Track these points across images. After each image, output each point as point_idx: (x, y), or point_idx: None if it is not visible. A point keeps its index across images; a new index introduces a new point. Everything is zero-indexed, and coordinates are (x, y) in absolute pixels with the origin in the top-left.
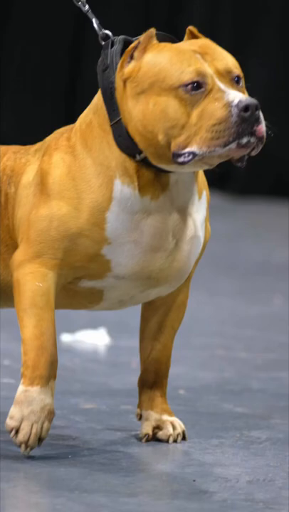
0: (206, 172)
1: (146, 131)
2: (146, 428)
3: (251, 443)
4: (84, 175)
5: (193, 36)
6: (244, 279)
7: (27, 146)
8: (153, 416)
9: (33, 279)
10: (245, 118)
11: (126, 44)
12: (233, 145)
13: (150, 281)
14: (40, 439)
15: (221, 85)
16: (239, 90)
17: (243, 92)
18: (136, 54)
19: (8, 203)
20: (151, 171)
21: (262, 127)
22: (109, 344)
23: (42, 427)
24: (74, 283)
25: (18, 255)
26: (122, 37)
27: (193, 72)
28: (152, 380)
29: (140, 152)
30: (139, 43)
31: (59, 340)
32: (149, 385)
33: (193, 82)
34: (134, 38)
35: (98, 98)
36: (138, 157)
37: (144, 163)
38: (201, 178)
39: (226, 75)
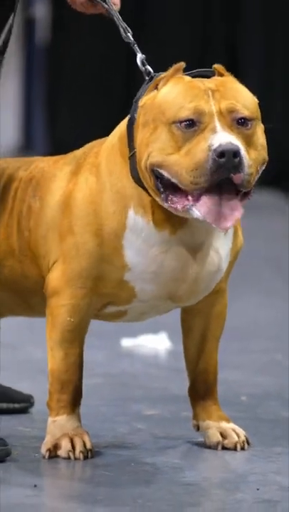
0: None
1: (139, 161)
2: (216, 435)
3: None
4: (102, 200)
5: (220, 74)
6: None
7: (56, 157)
8: (213, 425)
9: (65, 312)
10: (220, 164)
11: None
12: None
13: (172, 300)
14: (88, 450)
15: (218, 125)
16: (240, 132)
17: (249, 135)
18: (160, 85)
19: (30, 216)
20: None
21: (240, 176)
22: (170, 348)
23: (82, 439)
24: (102, 309)
25: (53, 280)
26: (161, 73)
27: (191, 109)
28: (203, 390)
29: None
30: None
31: (120, 345)
32: (200, 396)
33: (187, 120)
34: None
35: (124, 125)
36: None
37: None
38: None
39: (227, 115)
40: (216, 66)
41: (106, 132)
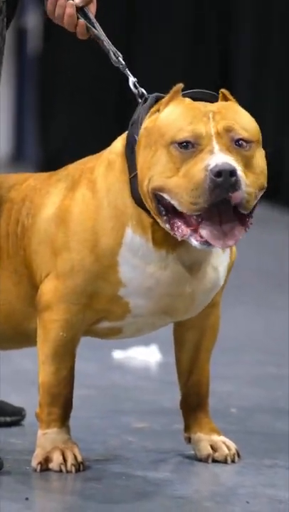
0: None
1: (140, 184)
2: (206, 448)
3: None
4: (99, 216)
5: (226, 98)
6: None
7: (48, 174)
8: (203, 437)
9: (58, 327)
10: (217, 184)
11: (158, 100)
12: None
13: (168, 315)
14: (79, 463)
15: (216, 147)
16: (238, 153)
17: (247, 157)
18: (161, 108)
19: (24, 235)
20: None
21: (238, 194)
22: (161, 361)
23: (73, 452)
24: (95, 324)
25: (46, 294)
26: (154, 94)
27: (189, 131)
28: (195, 402)
29: None
30: None
31: (111, 357)
32: (192, 408)
33: (185, 141)
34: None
35: (122, 143)
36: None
37: None
38: None
39: (225, 135)
40: (223, 90)
41: (98, 142)
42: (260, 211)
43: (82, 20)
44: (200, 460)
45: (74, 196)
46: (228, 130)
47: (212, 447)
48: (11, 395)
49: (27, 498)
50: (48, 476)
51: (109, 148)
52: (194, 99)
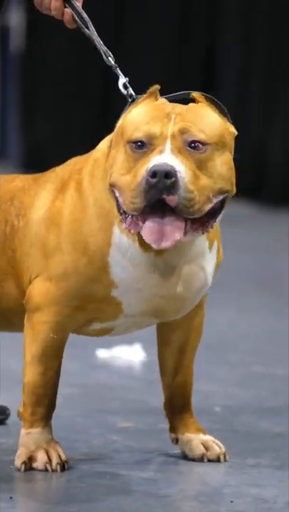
0: (237, 182)
1: (109, 182)
2: (199, 448)
3: None
4: (86, 216)
5: (197, 101)
6: (280, 294)
7: (35, 175)
8: (194, 437)
9: (48, 329)
10: (152, 184)
11: None
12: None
13: (158, 315)
14: (63, 462)
15: (167, 148)
16: (191, 156)
17: (202, 160)
18: (131, 108)
19: (14, 236)
20: None
21: (173, 198)
22: (145, 360)
23: (56, 452)
24: (85, 325)
25: (36, 295)
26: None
27: (143, 131)
28: (181, 403)
29: None
30: None
31: (95, 356)
32: (178, 409)
33: (138, 141)
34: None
35: (108, 141)
36: None
37: None
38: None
39: (179, 137)
40: (194, 94)
41: (81, 140)
42: (245, 210)
43: (69, 9)
44: (192, 460)
45: (64, 198)
46: (183, 132)
47: (203, 446)
48: None
49: (11, 498)
50: (32, 476)
51: (96, 147)
52: (177, 101)
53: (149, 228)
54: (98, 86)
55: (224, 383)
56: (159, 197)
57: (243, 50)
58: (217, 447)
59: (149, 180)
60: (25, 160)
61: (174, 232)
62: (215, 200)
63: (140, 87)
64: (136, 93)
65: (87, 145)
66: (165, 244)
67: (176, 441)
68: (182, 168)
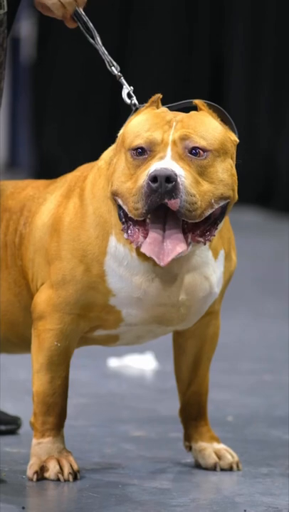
0: (246, 190)
1: (110, 191)
2: (212, 456)
3: None
4: (85, 224)
5: (200, 109)
6: None
7: (48, 182)
8: (207, 446)
9: (52, 337)
10: (152, 189)
11: None
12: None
13: (163, 324)
14: (75, 472)
15: (168, 154)
16: (192, 162)
17: (203, 166)
18: (133, 116)
19: (22, 244)
20: None
21: (175, 202)
22: (156, 369)
23: (68, 461)
24: (90, 332)
25: (40, 303)
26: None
27: (144, 138)
28: (196, 411)
29: None
30: None
31: (107, 366)
32: (193, 417)
33: (138, 148)
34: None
35: (111, 150)
36: None
37: None
38: (226, 232)
39: (179, 143)
40: (196, 101)
41: (90, 149)
42: (255, 218)
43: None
44: (205, 468)
45: (67, 205)
46: (184, 138)
47: (216, 455)
48: (6, 404)
49: (23, 507)
50: (44, 485)
51: (101, 155)
52: (180, 110)
53: (150, 245)
54: (107, 97)
55: (236, 392)
56: (161, 201)
57: (250, 60)
58: (230, 456)
59: (150, 185)
60: (36, 168)
61: (175, 246)
62: (216, 206)
63: (147, 97)
64: (142, 103)
65: (97, 154)
66: (167, 259)
67: (190, 448)
68: (183, 173)
